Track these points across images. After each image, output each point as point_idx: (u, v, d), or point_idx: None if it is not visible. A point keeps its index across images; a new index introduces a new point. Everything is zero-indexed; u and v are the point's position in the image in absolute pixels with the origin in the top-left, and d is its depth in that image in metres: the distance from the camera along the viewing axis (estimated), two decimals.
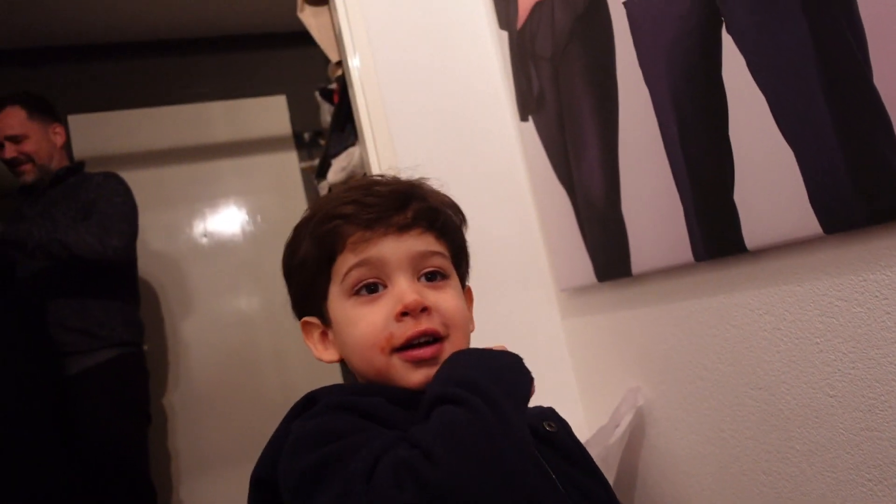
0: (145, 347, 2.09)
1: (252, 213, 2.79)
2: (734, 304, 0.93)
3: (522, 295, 1.42)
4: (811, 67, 0.71)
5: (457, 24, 1.50)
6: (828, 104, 0.70)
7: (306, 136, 2.80)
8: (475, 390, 0.48)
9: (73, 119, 2.59)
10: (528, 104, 1.39)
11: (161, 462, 2.42)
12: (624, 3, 1.01)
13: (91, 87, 2.66)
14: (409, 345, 0.58)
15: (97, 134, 2.64)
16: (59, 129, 1.98)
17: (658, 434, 1.15)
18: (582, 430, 1.35)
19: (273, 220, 2.80)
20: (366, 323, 0.58)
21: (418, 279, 0.61)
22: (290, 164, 2.86)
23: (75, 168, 1.98)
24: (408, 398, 0.57)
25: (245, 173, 2.81)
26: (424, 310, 0.58)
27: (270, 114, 2.88)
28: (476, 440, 0.45)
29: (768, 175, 0.80)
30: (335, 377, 2.38)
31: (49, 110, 1.98)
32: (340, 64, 1.68)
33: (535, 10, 1.29)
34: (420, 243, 0.61)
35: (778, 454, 0.89)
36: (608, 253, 1.17)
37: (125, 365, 1.89)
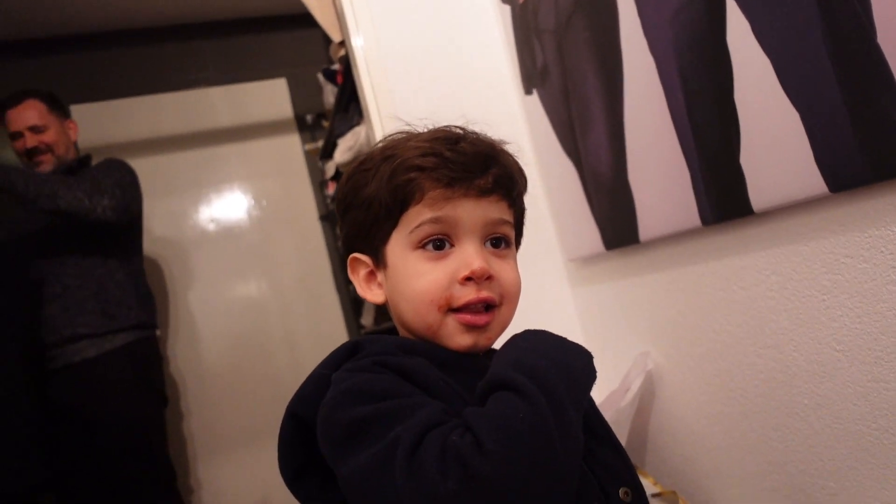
0: (157, 332, 2.12)
1: (257, 198, 2.80)
2: (742, 266, 0.95)
3: (531, 267, 1.44)
4: (815, 29, 0.73)
5: (459, 0, 1.50)
6: (832, 64, 0.72)
7: (309, 118, 2.81)
8: (541, 384, 0.47)
9: (76, 109, 2.59)
10: (532, 78, 1.40)
11: (177, 444, 2.46)
12: None
13: (92, 76, 2.66)
14: (464, 308, 0.59)
15: (100, 123, 2.64)
16: (72, 125, 2.05)
17: (668, 397, 1.18)
18: (593, 396, 1.38)
19: (278, 203, 2.82)
20: (429, 279, 0.59)
21: (484, 244, 0.61)
22: (293, 146, 2.86)
23: (84, 160, 2.01)
24: (449, 360, 0.58)
25: (249, 158, 2.82)
26: (488, 278, 0.59)
27: (271, 97, 2.88)
28: (532, 440, 0.44)
29: (774, 137, 0.81)
30: None
31: (64, 107, 2.04)
32: (343, 44, 1.69)
33: None
34: (495, 210, 0.61)
35: (786, 409, 0.92)
36: (616, 221, 1.19)
37: (143, 348, 1.93)
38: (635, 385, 1.17)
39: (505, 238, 0.64)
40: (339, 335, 2.77)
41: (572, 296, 1.46)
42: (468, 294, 0.59)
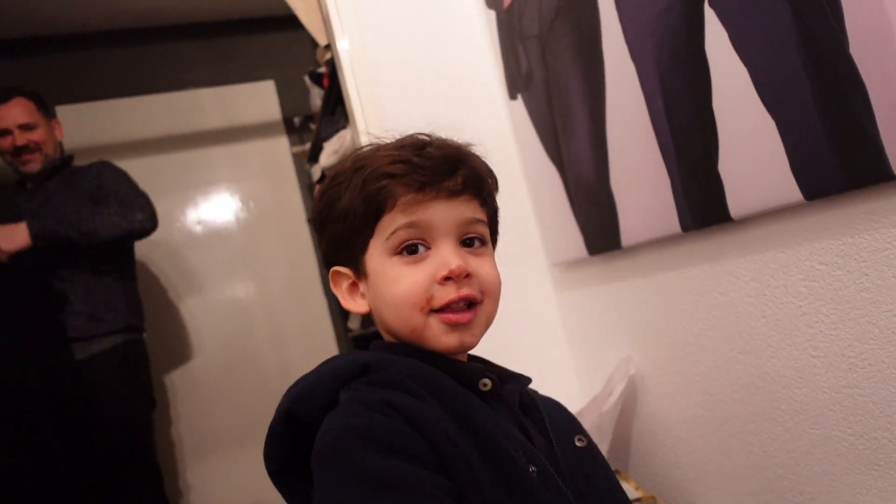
0: (144, 335, 2.11)
1: (245, 200, 2.80)
2: (721, 272, 0.96)
3: (516, 270, 1.44)
4: (791, 39, 0.73)
5: (444, 5, 1.50)
6: (807, 74, 0.73)
7: (296, 120, 2.81)
8: None
9: (61, 109, 2.57)
10: (516, 83, 1.41)
11: (165, 446, 2.45)
12: None
13: (78, 76, 2.65)
14: (446, 307, 0.60)
15: (86, 124, 2.63)
16: (57, 124, 2.06)
17: (650, 401, 1.19)
18: (576, 400, 1.39)
19: (266, 206, 2.81)
20: (408, 283, 0.60)
21: (460, 244, 0.63)
22: (280, 149, 2.86)
23: (67, 160, 2.01)
24: (450, 391, 0.58)
25: (236, 160, 2.81)
26: (466, 276, 0.61)
27: (260, 99, 2.87)
28: None
29: (751, 145, 0.82)
30: None
31: (48, 107, 2.05)
32: (329, 47, 1.69)
33: None
34: (467, 210, 0.63)
35: (764, 414, 0.93)
36: (598, 227, 1.19)
37: (131, 351, 1.93)
38: (618, 390, 1.17)
39: (479, 237, 0.65)
40: (326, 338, 2.76)
41: (556, 300, 1.46)
42: (448, 294, 0.60)
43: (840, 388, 0.80)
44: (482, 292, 0.62)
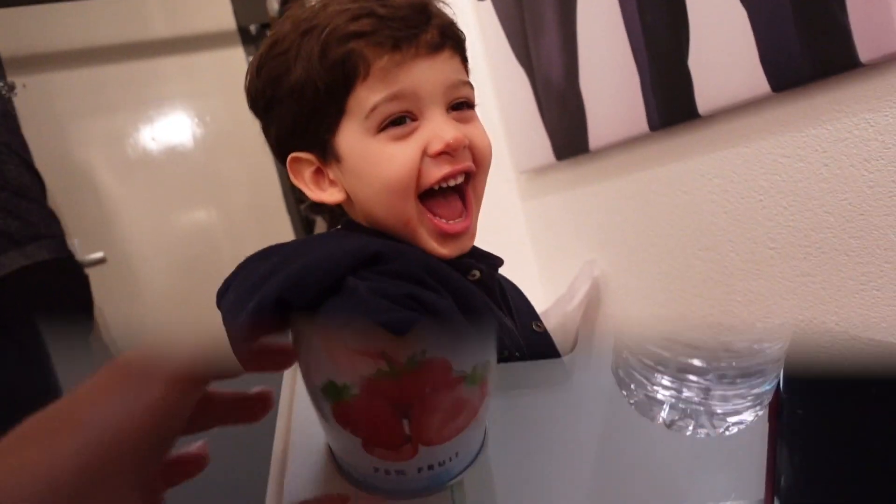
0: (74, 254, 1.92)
1: (200, 115, 2.68)
2: (686, 171, 0.97)
3: None
4: None
5: None
6: None
7: (252, 29, 2.67)
8: None
9: None
10: None
11: None
12: None
13: None
14: (436, 203, 0.54)
15: (22, 30, 2.45)
16: None
17: (613, 302, 1.23)
18: (540, 305, 1.42)
19: (223, 121, 2.71)
20: (397, 164, 0.52)
21: (447, 111, 0.54)
22: (236, 60, 2.72)
23: None
24: (462, 288, 0.50)
25: (189, 72, 2.68)
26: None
27: (211, 7, 2.71)
28: None
29: (722, 38, 0.81)
30: None
31: None
32: None
33: None
34: (452, 70, 0.54)
35: (721, 307, 0.97)
36: (567, 131, 1.19)
37: (53, 267, 1.65)
38: (581, 291, 1.21)
39: (468, 101, 0.56)
40: None
41: (522, 209, 1.47)
42: (442, 168, 0.53)
43: (794, 277, 0.84)
44: (476, 163, 0.55)
